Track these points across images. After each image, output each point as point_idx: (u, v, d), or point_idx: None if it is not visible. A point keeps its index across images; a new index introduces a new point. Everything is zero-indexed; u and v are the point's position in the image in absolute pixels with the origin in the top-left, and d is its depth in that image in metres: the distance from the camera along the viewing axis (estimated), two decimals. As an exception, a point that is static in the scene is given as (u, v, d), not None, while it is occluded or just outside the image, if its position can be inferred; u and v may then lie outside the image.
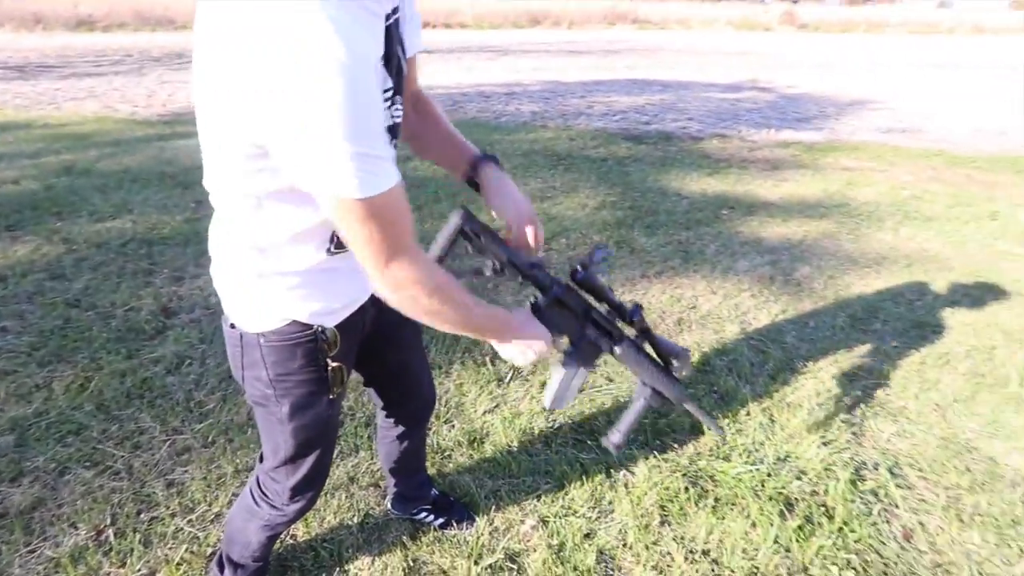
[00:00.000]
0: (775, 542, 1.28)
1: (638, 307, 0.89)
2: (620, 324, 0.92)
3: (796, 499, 1.40)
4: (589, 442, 1.55)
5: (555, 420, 1.64)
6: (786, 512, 1.36)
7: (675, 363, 0.98)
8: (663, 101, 6.87)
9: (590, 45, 14.74)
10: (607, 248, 0.86)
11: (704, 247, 2.85)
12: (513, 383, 1.78)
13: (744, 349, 2.03)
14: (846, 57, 13.45)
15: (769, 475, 1.46)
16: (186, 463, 1.44)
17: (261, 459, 0.93)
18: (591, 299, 0.87)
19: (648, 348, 0.97)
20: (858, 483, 1.46)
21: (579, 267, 0.82)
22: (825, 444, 1.57)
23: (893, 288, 2.51)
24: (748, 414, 1.69)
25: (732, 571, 1.22)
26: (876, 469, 1.51)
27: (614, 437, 1.01)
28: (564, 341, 0.87)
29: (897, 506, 1.40)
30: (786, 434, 1.62)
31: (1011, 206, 3.57)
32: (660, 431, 1.60)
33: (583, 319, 0.87)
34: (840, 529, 1.32)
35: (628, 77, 8.91)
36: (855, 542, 1.29)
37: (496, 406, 1.68)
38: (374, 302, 0.88)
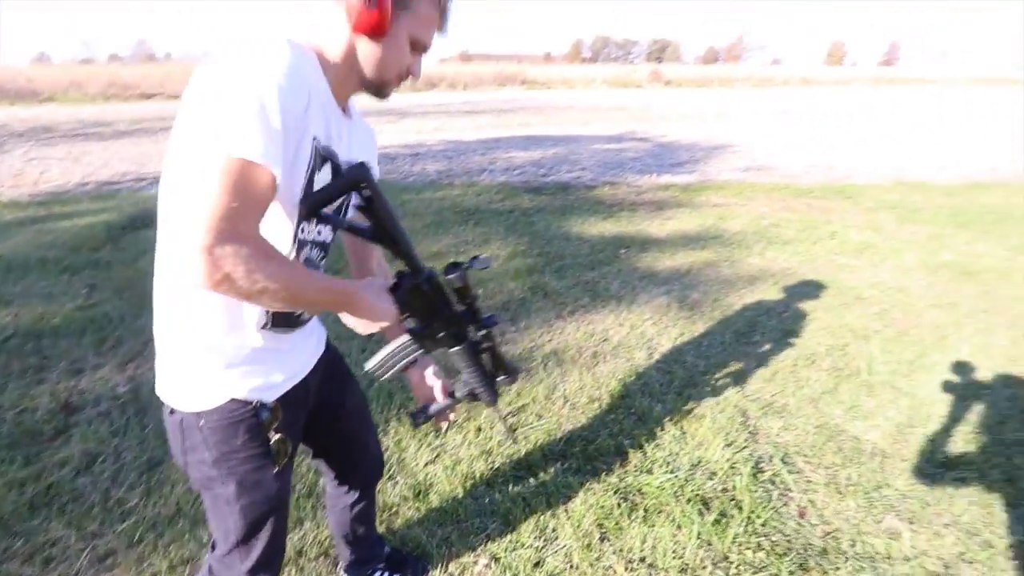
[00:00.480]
0: (698, 538, 1.45)
1: (492, 318, 0.94)
2: (470, 328, 0.93)
3: (710, 498, 1.60)
4: (530, 479, 1.66)
5: (494, 462, 1.73)
6: (704, 510, 1.55)
7: (504, 376, 1.04)
8: (557, 154, 7.48)
9: (485, 105, 15.68)
10: (488, 259, 0.88)
11: (608, 284, 3.15)
12: (451, 432, 1.86)
13: (653, 372, 2.27)
14: (705, 108, 15.50)
15: (686, 480, 1.65)
16: (111, 568, 1.35)
17: (213, 547, 0.91)
18: (455, 298, 0.88)
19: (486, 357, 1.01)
20: (758, 475, 1.70)
21: (453, 264, 0.83)
22: (728, 446, 1.81)
23: (765, 303, 2.93)
24: (663, 429, 1.90)
25: (666, 571, 1.37)
26: (771, 461, 1.77)
27: (431, 408, 1.06)
28: (411, 322, 0.88)
29: (791, 489, 1.65)
30: (696, 442, 1.84)
31: (844, 227, 4.32)
32: (590, 456, 1.76)
33: (437, 311, 0.88)
34: (748, 517, 1.52)
35: (523, 134, 9.60)
36: (761, 526, 1.50)
37: (436, 456, 1.75)
38: (316, 373, 0.94)
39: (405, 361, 0.90)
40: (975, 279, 3.31)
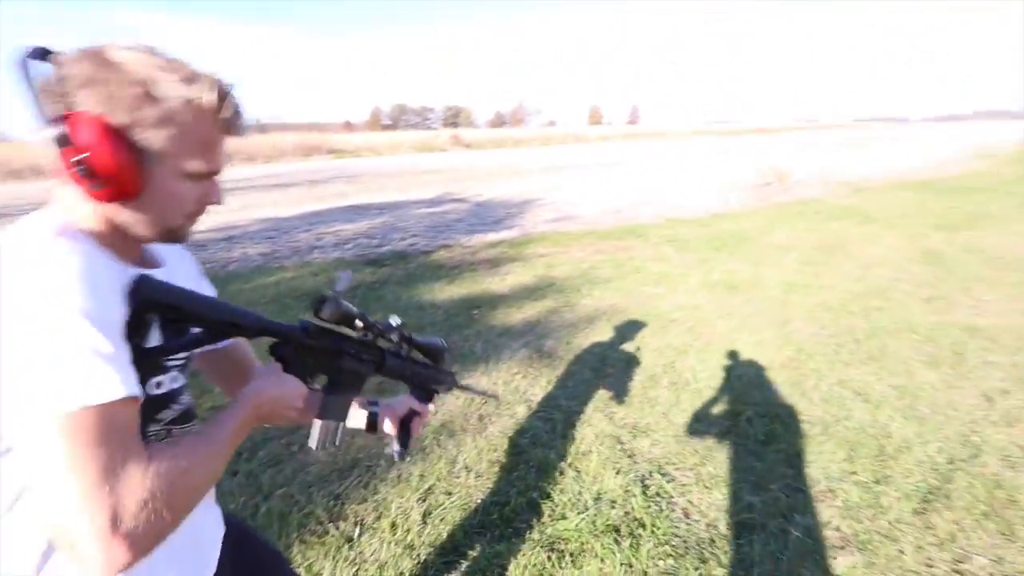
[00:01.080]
0: (621, 564, 1.63)
1: (391, 321, 0.88)
2: (380, 341, 0.88)
3: (619, 524, 1.80)
4: (459, 560, 1.67)
5: (419, 555, 1.69)
6: (618, 537, 1.74)
7: (442, 359, 1.01)
8: (385, 223, 7.54)
9: (294, 177, 14.98)
10: (347, 272, 0.82)
11: (472, 346, 3.30)
12: (364, 536, 1.75)
13: (536, 422, 2.46)
14: (505, 167, 17.22)
15: (596, 515, 1.84)
16: None
17: None
18: (343, 328, 0.80)
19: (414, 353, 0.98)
20: (647, 492, 1.97)
21: (321, 299, 0.75)
22: (617, 473, 2.07)
23: (606, 338, 3.40)
24: (562, 473, 2.07)
25: (604, 604, 1.51)
26: (652, 476, 2.06)
27: (394, 446, 1.02)
28: (320, 381, 0.82)
29: (672, 496, 1.95)
30: (591, 477, 2.05)
31: (643, 261, 5.23)
32: (508, 519, 1.83)
33: (338, 351, 0.81)
34: (652, 531, 1.76)
35: (343, 204, 9.44)
36: (663, 535, 1.75)
37: (357, 570, 1.64)
38: (223, 549, 0.82)
39: (341, 423, 0.85)
40: (738, 291, 4.31)
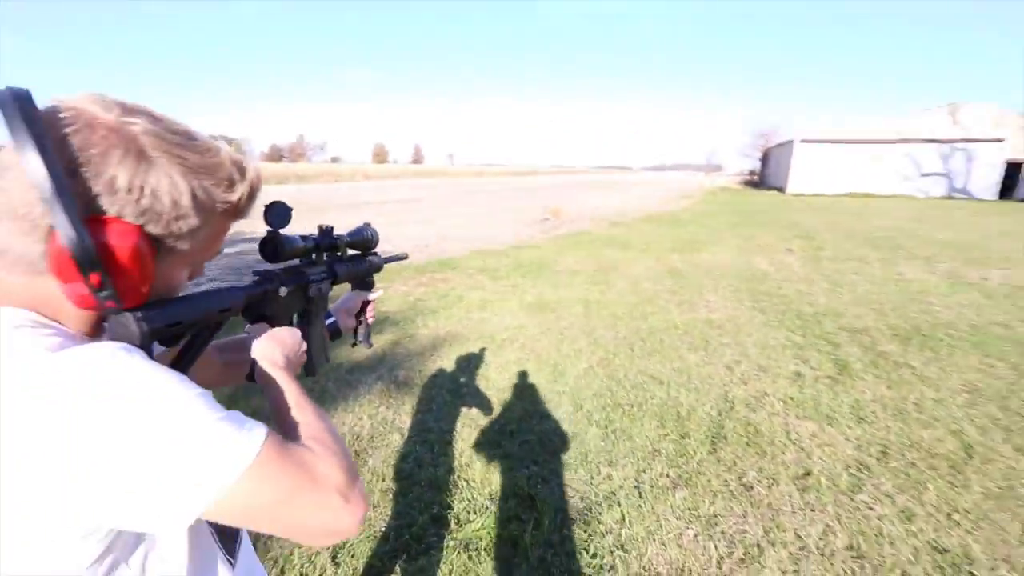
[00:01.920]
0: (532, 540, 1.88)
1: (326, 229, 0.90)
2: (324, 255, 0.89)
3: (517, 511, 2.05)
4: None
5: (338, 593, 1.66)
6: (521, 521, 1.98)
7: (374, 243, 1.05)
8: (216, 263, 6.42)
9: None
10: (283, 202, 0.75)
11: (325, 386, 3.18)
12: (270, 596, 1.63)
13: (413, 446, 2.55)
14: (297, 202, 16.12)
15: (495, 511, 2.05)
16: None
17: None
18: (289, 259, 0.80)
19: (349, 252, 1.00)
20: (530, 481, 2.26)
21: (275, 242, 0.75)
22: (500, 473, 2.32)
23: (452, 361, 3.64)
24: (453, 485, 2.23)
25: (523, 581, 1.73)
26: (530, 468, 2.37)
27: (360, 338, 1.13)
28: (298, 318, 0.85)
29: (549, 479, 2.29)
30: (480, 482, 2.26)
31: (463, 290, 5.65)
32: (418, 536, 1.91)
33: (304, 287, 0.83)
34: (543, 508, 2.06)
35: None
36: (553, 509, 2.06)
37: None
38: None
39: (324, 343, 0.94)
40: (549, 310, 5.03)
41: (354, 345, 1.14)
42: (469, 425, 2.76)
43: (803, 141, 29.66)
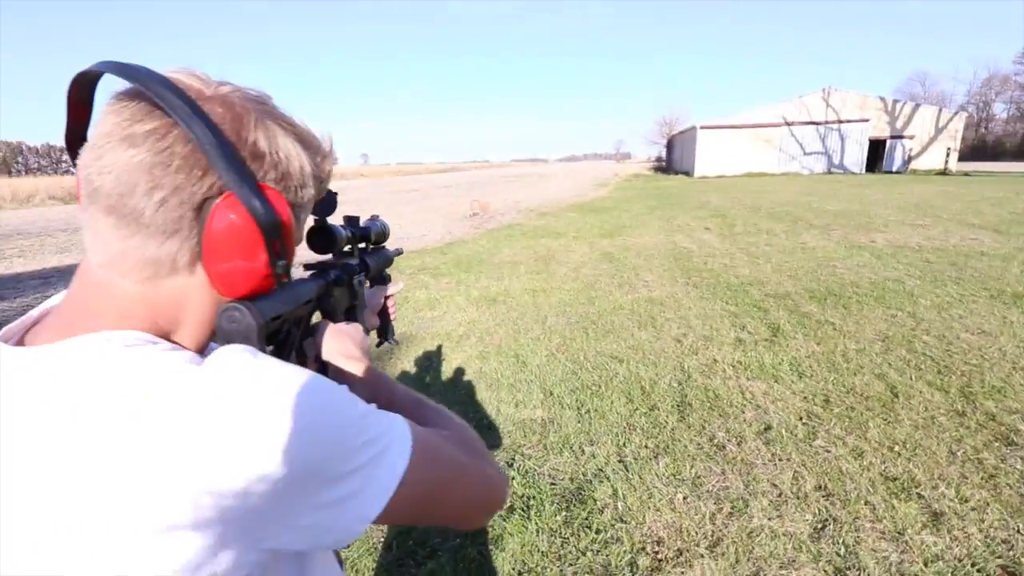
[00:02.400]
0: (535, 530, 1.89)
1: (354, 219, 0.85)
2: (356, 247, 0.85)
3: (514, 505, 2.05)
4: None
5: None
6: (521, 514, 1.99)
7: (387, 235, 0.99)
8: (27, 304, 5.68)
9: None
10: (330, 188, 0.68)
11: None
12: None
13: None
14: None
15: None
16: None
17: None
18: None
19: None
20: (519, 471, 2.27)
21: (317, 224, 0.71)
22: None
23: (412, 363, 3.56)
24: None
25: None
26: (516, 459, 2.38)
27: (387, 336, 1.05)
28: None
29: (538, 468, 2.31)
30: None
31: (406, 290, 5.52)
32: (421, 541, 1.86)
33: (351, 280, 0.78)
34: (537, 499, 2.08)
35: (10, 272, 6.61)
36: (546, 498, 2.09)
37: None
38: None
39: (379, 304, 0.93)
40: (498, 302, 5.04)
41: (380, 345, 1.08)
42: (445, 423, 2.72)
43: (703, 127, 31.85)
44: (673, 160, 43.71)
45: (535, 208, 14.04)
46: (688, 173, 33.49)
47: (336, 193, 0.71)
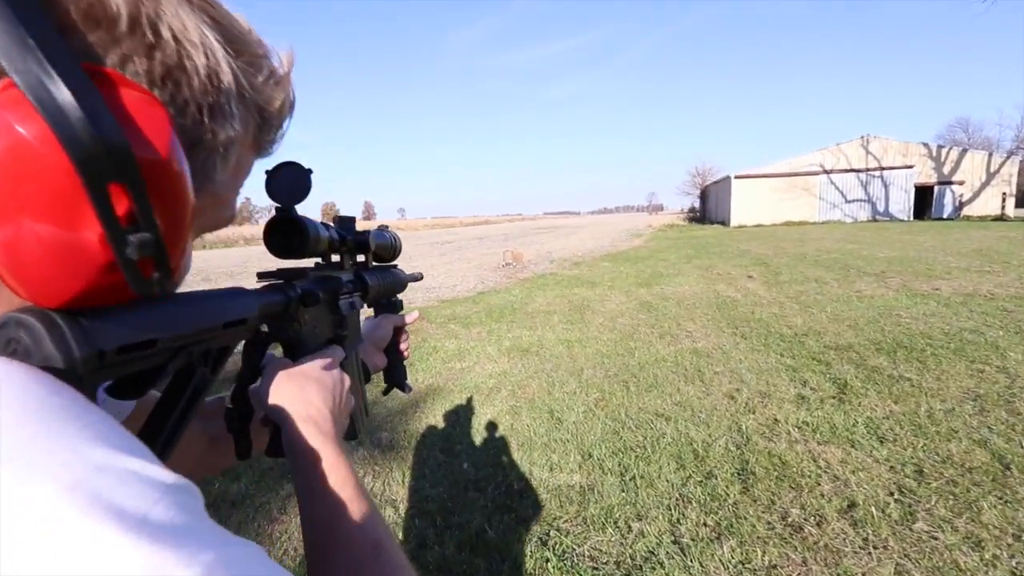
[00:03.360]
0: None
1: (349, 221, 0.67)
2: (348, 262, 0.67)
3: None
4: None
5: None
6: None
7: (398, 252, 0.84)
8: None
9: None
10: (299, 164, 0.51)
11: (296, 461, 2.77)
12: None
13: (412, 520, 2.19)
14: (251, 264, 15.40)
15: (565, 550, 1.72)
16: None
17: None
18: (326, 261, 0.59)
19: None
20: (555, 552, 1.95)
21: (280, 216, 0.50)
22: (519, 542, 1.99)
23: (439, 417, 3.30)
24: (465, 565, 1.88)
25: None
26: (551, 535, 2.05)
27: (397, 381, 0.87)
28: (349, 337, 0.62)
29: (576, 548, 1.98)
30: (499, 555, 1.92)
31: (437, 340, 5.33)
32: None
33: (333, 300, 0.57)
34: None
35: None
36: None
37: None
38: None
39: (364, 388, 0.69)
40: (531, 353, 4.77)
41: (387, 392, 0.86)
42: (471, 488, 2.43)
43: (737, 177, 31.61)
44: (708, 210, 43.35)
45: (568, 258, 13.90)
46: (724, 223, 33.00)
47: (310, 170, 0.50)
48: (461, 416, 3.32)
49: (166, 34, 0.27)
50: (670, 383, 3.77)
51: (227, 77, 0.30)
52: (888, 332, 4.76)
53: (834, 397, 3.30)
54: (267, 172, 0.49)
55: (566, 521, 2.15)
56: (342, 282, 0.58)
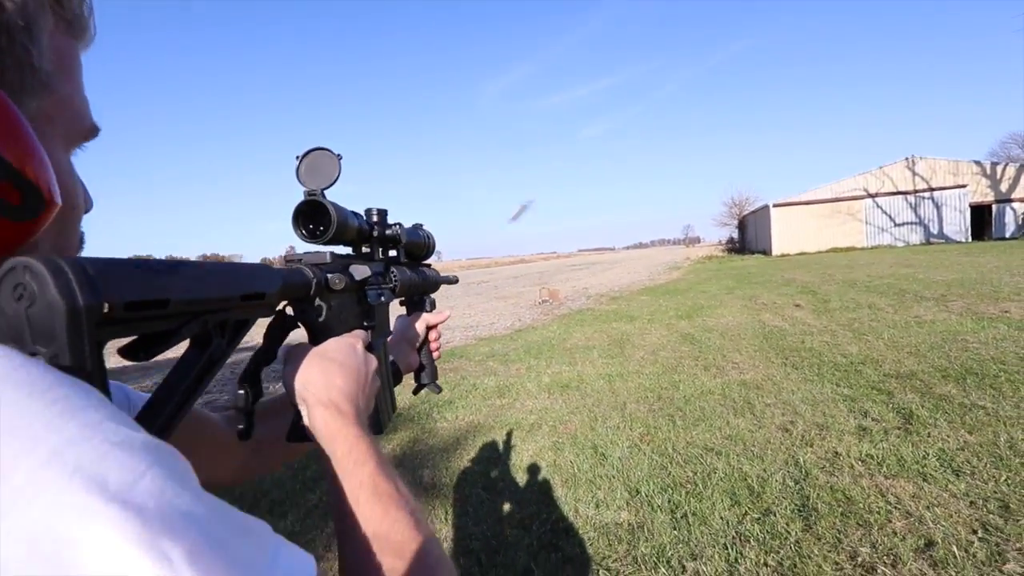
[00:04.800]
0: None
1: (382, 212, 0.66)
2: (379, 250, 0.67)
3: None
4: None
5: None
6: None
7: (432, 248, 0.84)
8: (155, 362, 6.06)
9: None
10: (329, 149, 0.52)
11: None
12: None
13: (460, 560, 2.14)
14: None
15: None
16: None
17: None
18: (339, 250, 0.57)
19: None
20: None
21: (308, 200, 0.50)
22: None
23: (480, 454, 3.26)
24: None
25: None
26: (600, 575, 1.96)
27: (425, 381, 0.87)
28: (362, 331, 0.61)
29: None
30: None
31: (476, 377, 5.32)
32: None
33: (360, 288, 0.58)
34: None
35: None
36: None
37: None
38: None
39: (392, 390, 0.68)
40: (571, 389, 4.70)
41: (418, 391, 0.86)
42: (515, 525, 2.37)
43: (776, 205, 30.93)
44: (747, 240, 42.38)
45: (605, 293, 13.79)
46: (765, 252, 32.11)
47: (340, 155, 0.50)
48: (502, 453, 3.27)
49: None
50: (719, 416, 3.62)
51: None
52: (955, 358, 4.45)
53: (899, 428, 3.09)
54: (297, 157, 0.52)
55: (615, 560, 2.06)
56: (369, 271, 0.57)
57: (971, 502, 2.21)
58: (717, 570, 1.94)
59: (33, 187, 0.28)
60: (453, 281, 0.98)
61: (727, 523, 2.25)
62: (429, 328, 0.82)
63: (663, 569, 1.97)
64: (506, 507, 2.55)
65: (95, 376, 0.26)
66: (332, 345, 0.48)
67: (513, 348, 6.80)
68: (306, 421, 0.44)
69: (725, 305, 9.33)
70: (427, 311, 0.84)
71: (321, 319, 0.50)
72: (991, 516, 2.09)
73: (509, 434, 3.59)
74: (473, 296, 16.79)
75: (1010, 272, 10.42)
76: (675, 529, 2.24)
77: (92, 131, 0.37)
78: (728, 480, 2.65)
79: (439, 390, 0.86)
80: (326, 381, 0.44)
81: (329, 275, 0.51)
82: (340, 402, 0.43)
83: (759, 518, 2.26)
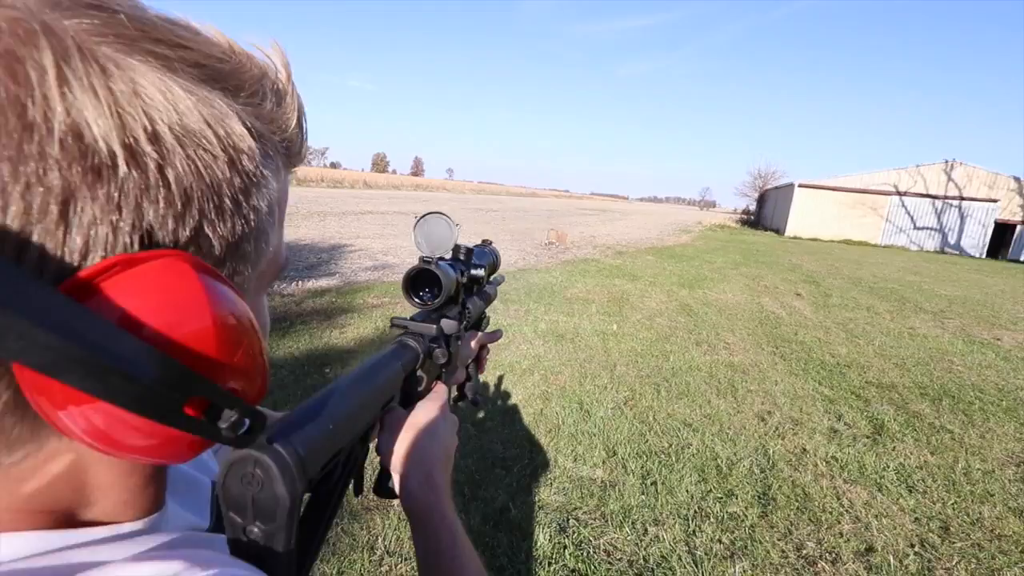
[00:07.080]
0: None
1: (468, 253, 0.69)
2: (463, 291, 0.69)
3: (562, 579, 1.84)
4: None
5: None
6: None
7: (497, 266, 0.89)
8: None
9: None
10: (445, 214, 0.57)
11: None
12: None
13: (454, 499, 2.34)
14: (295, 206, 15.93)
15: (542, 574, 1.84)
16: None
17: None
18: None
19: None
20: (572, 540, 2.06)
21: (424, 266, 0.54)
22: (539, 527, 2.11)
23: (481, 391, 3.44)
24: (488, 538, 2.02)
25: None
26: (569, 523, 2.17)
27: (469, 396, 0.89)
28: (460, 373, 0.69)
29: (593, 540, 2.09)
30: (520, 535, 2.05)
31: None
32: None
33: (456, 337, 0.61)
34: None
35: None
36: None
37: None
38: None
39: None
40: (565, 340, 4.84)
41: (456, 403, 0.92)
42: (498, 465, 2.56)
43: (801, 185, 30.17)
44: (763, 215, 41.70)
45: (612, 246, 13.76)
46: (778, 231, 31.73)
47: (458, 224, 0.56)
48: (493, 393, 3.45)
49: (168, 140, 0.21)
50: (701, 394, 3.79)
51: (244, 141, 0.24)
52: (936, 377, 4.60)
53: (868, 436, 3.27)
54: (415, 217, 0.55)
55: (585, 513, 2.26)
56: (457, 324, 0.61)
57: (916, 519, 2.40)
58: (675, 537, 2.14)
59: (258, 419, 0.26)
60: (501, 281, 1.00)
61: (691, 497, 2.45)
62: (481, 347, 0.83)
63: (627, 528, 2.17)
64: (492, 448, 2.74)
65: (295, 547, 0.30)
66: (423, 416, 0.50)
67: (514, 288, 6.91)
68: (395, 485, 0.48)
69: (728, 280, 9.39)
70: (483, 330, 0.87)
71: (420, 389, 0.53)
72: (930, 535, 2.29)
73: (501, 376, 3.75)
74: (482, 224, 16.71)
75: (1014, 299, 10.45)
76: (643, 494, 2.44)
77: (285, 266, 0.34)
78: (700, 457, 2.84)
79: (480, 403, 0.89)
80: (420, 456, 0.47)
81: (434, 349, 0.54)
82: (435, 474, 0.47)
83: (721, 498, 2.46)
